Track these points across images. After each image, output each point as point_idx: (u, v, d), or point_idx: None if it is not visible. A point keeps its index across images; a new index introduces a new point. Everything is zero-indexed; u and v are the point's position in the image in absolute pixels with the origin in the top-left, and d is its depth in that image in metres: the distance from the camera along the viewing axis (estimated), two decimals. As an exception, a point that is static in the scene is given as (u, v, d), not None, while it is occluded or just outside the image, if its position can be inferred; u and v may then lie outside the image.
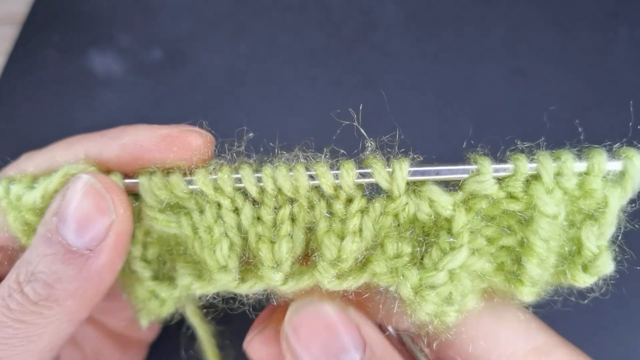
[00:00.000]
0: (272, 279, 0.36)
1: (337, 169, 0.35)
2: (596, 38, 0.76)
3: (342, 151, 0.37)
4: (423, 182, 0.35)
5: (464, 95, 0.73)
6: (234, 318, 0.48)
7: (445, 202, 0.35)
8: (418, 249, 0.37)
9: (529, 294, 0.36)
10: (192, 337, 0.47)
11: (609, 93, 0.72)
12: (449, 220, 0.35)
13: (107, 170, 0.38)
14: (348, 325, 0.34)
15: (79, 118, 0.75)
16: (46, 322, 0.35)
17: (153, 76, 0.78)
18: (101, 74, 0.78)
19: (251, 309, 0.42)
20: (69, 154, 0.38)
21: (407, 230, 0.37)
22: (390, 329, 0.39)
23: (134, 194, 0.38)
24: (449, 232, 0.36)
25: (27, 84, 0.78)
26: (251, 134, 0.38)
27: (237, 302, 0.42)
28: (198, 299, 0.43)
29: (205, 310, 0.46)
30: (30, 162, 0.40)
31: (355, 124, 0.37)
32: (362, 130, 0.37)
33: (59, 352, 0.43)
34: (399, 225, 0.36)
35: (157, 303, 0.41)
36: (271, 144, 0.38)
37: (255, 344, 0.42)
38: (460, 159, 0.36)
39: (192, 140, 0.37)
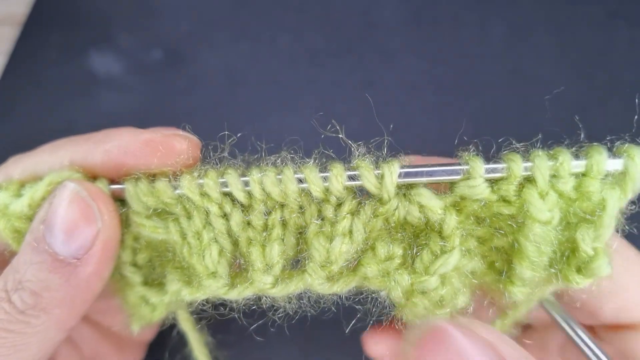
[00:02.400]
0: (263, 282, 0.36)
1: (327, 172, 0.34)
2: (596, 38, 0.76)
3: (331, 153, 0.36)
4: (413, 185, 0.34)
5: (463, 95, 0.73)
6: (228, 329, 0.48)
7: (434, 206, 0.33)
8: (409, 251, 0.36)
9: (519, 293, 0.36)
10: (182, 342, 0.47)
11: (608, 93, 0.72)
12: (440, 223, 0.34)
13: (93, 177, 0.37)
14: (480, 346, 0.28)
15: (79, 118, 0.75)
16: (34, 331, 0.34)
17: (153, 76, 0.78)
18: (101, 74, 0.78)
19: (241, 315, 0.41)
20: (54, 159, 0.38)
21: (398, 232, 0.36)
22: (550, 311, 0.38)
23: (121, 200, 0.37)
24: (440, 234, 0.35)
25: (27, 84, 0.78)
26: (234, 138, 0.37)
27: (227, 308, 0.41)
28: (188, 304, 0.42)
29: (198, 316, 0.45)
30: (17, 167, 0.39)
31: (341, 136, 0.36)
32: (347, 140, 0.36)
33: (56, 353, 0.43)
34: (389, 227, 0.36)
35: (148, 308, 0.41)
36: (258, 142, 0.37)
37: (374, 339, 0.43)
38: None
39: (177, 144, 0.36)
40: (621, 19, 0.77)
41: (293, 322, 0.41)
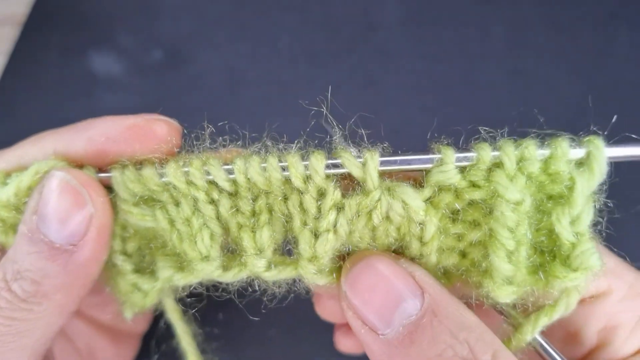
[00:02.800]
0: (256, 265, 0.37)
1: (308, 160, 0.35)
2: (596, 39, 0.76)
3: (315, 142, 0.36)
4: (398, 184, 0.35)
5: (463, 96, 0.73)
6: (216, 322, 0.48)
7: (417, 207, 0.34)
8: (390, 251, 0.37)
9: (503, 293, 0.35)
10: (169, 332, 0.47)
11: (608, 93, 0.72)
12: (420, 226, 0.35)
13: (79, 165, 0.38)
14: (401, 275, 0.34)
15: (79, 118, 0.74)
16: (36, 317, 0.35)
17: (153, 76, 0.78)
18: (101, 75, 0.78)
19: (236, 296, 0.42)
20: (37, 150, 0.39)
21: (381, 234, 0.36)
22: (537, 337, 0.38)
23: (108, 188, 0.38)
24: (420, 239, 0.36)
25: (27, 84, 0.78)
26: (210, 127, 0.37)
27: (220, 290, 0.42)
28: (182, 289, 0.43)
29: (191, 300, 0.45)
30: (1, 161, 0.40)
31: (325, 111, 0.37)
32: (329, 124, 0.37)
33: (52, 348, 0.44)
34: (373, 227, 0.36)
35: (140, 295, 0.41)
36: (242, 130, 0.37)
37: (324, 304, 0.46)
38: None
39: (158, 129, 0.37)
40: (621, 19, 0.77)
41: (278, 313, 0.42)
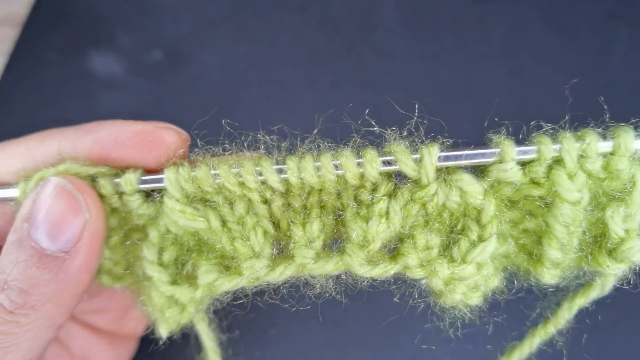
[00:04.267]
0: (305, 256, 0.36)
1: (359, 157, 0.34)
2: (596, 39, 0.76)
3: (361, 140, 0.35)
4: (454, 170, 0.34)
5: (463, 96, 0.73)
6: (239, 327, 0.47)
7: (476, 191, 0.34)
8: (446, 240, 0.37)
9: (550, 275, 0.36)
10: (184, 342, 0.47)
11: (608, 93, 0.72)
12: (477, 209, 0.35)
13: (125, 167, 0.37)
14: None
15: (79, 118, 0.74)
16: (24, 330, 0.34)
17: (153, 76, 0.78)
18: (101, 75, 0.78)
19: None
20: (43, 148, 0.38)
21: (436, 222, 0.36)
22: None
23: (147, 193, 0.37)
24: (478, 222, 0.35)
25: (27, 85, 0.78)
26: (264, 135, 0.37)
27: (265, 295, 0.41)
28: (213, 302, 0.42)
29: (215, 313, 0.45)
30: (3, 153, 0.39)
31: (375, 128, 0.36)
32: (379, 128, 0.36)
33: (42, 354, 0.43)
34: (426, 214, 0.36)
35: (176, 309, 0.40)
36: (293, 131, 0.36)
37: None
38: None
39: (167, 136, 0.37)
40: (621, 19, 0.77)
41: (278, 313, 0.41)
